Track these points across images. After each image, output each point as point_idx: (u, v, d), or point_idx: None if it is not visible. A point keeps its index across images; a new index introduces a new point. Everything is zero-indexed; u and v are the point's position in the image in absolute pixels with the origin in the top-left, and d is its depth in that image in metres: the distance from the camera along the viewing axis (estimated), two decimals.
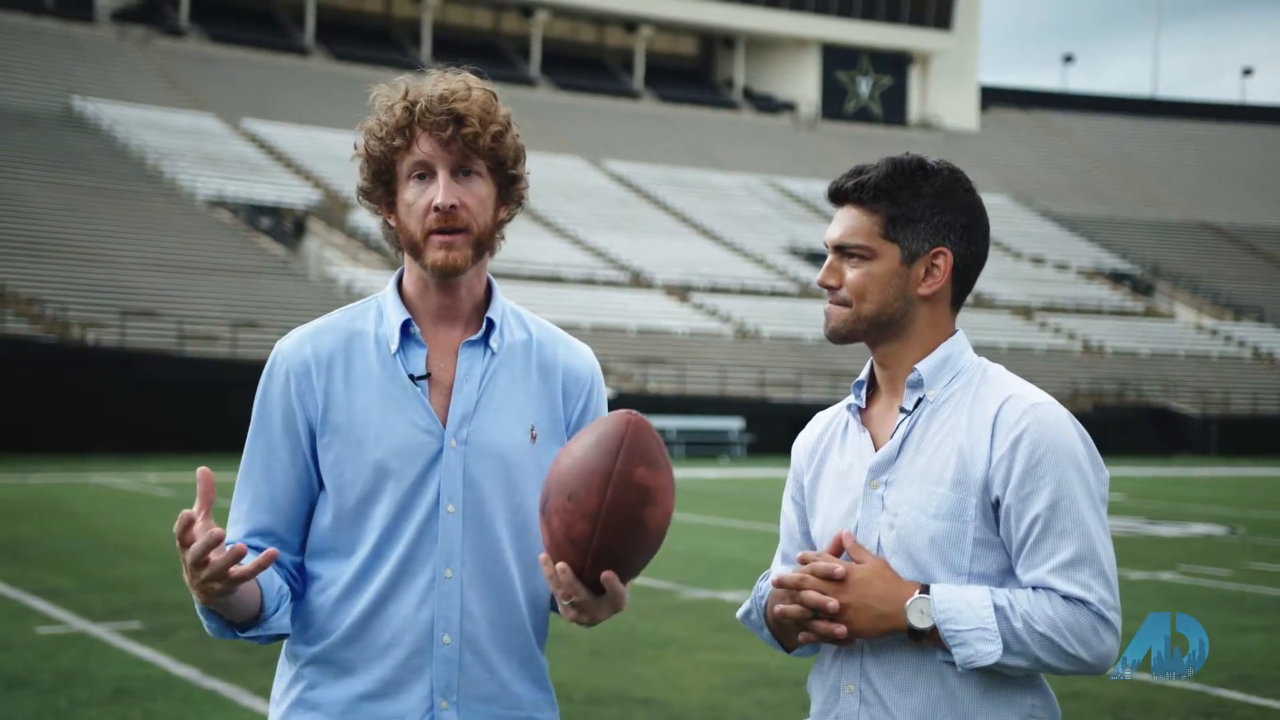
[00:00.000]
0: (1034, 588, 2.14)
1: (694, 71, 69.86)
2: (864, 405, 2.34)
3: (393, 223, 2.29)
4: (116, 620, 8.85)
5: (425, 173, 2.23)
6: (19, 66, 48.28)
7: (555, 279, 44.11)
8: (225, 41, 57.03)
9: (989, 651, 2.10)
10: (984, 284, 52.25)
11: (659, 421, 34.56)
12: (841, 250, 2.26)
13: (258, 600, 2.18)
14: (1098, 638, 2.12)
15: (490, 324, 2.30)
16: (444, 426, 2.25)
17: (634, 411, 2.13)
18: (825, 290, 2.28)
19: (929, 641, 2.15)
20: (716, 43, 70.24)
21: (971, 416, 2.21)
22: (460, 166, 2.23)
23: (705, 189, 57.26)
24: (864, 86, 69.72)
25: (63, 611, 9.19)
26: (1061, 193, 65.21)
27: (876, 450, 2.27)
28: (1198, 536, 16.14)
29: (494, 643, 2.27)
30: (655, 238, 50.60)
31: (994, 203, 62.78)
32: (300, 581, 2.30)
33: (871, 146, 66.68)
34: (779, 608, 2.20)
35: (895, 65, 70.28)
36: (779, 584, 2.20)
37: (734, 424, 35.05)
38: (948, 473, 2.18)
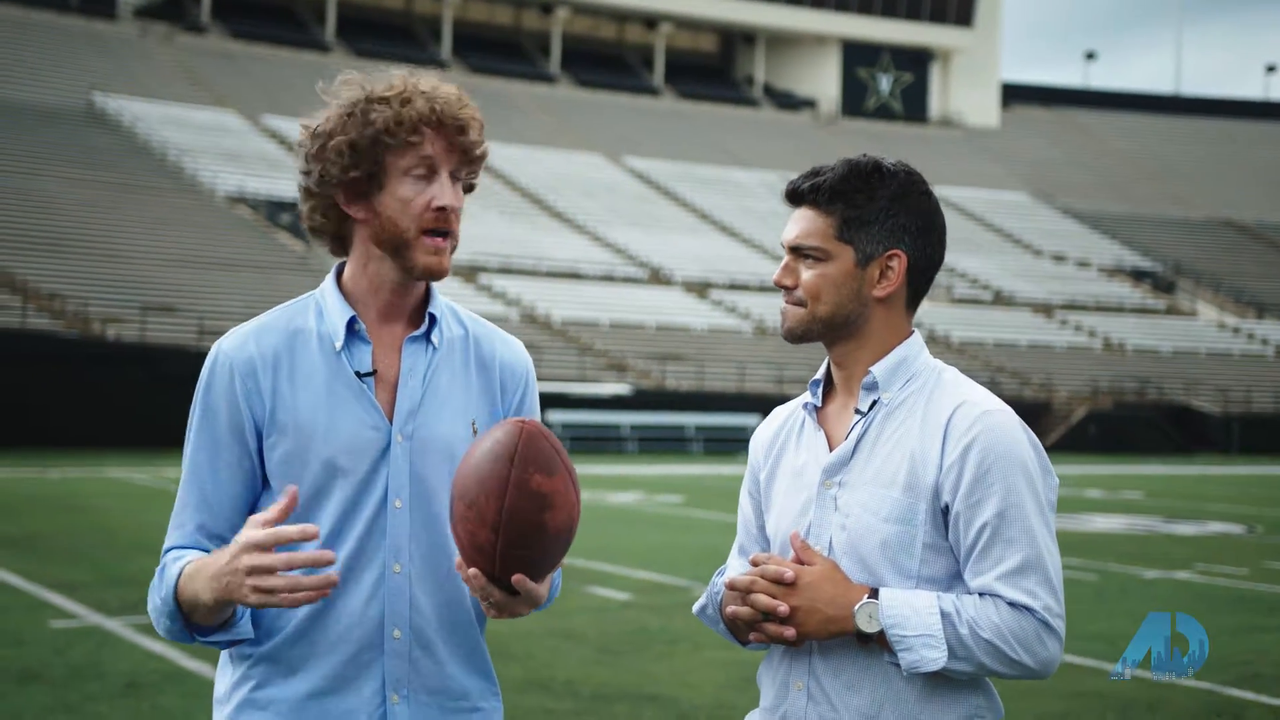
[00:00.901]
0: (981, 594, 2.18)
1: (714, 68, 69.83)
2: (820, 404, 2.36)
3: (358, 215, 2.26)
4: (130, 614, 8.89)
5: (427, 172, 2.24)
6: (42, 63, 48.52)
7: (574, 275, 44.15)
8: (246, 38, 57.24)
9: (934, 658, 2.14)
10: (1004, 281, 52.15)
11: (677, 418, 34.58)
12: (797, 251, 2.29)
13: (234, 609, 2.19)
14: (1041, 644, 2.16)
15: (433, 319, 2.32)
16: (390, 422, 2.26)
17: (528, 419, 2.16)
18: (781, 290, 2.32)
19: (877, 644, 2.19)
20: (737, 39, 70.18)
21: (924, 421, 2.24)
22: (455, 171, 2.26)
23: (725, 185, 57.21)
24: (884, 83, 69.59)
25: (77, 605, 9.24)
26: (1083, 190, 64.97)
27: (831, 450, 2.30)
28: (1215, 535, 16.06)
29: (441, 636, 2.28)
30: (674, 234, 50.60)
31: (1015, 200, 62.59)
32: None
33: (892, 143, 66.55)
34: (730, 609, 2.24)
35: (916, 62, 70.12)
36: (730, 586, 2.24)
37: (752, 420, 35.01)
38: (900, 477, 2.22)
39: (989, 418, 2.21)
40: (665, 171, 57.03)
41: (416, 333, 2.30)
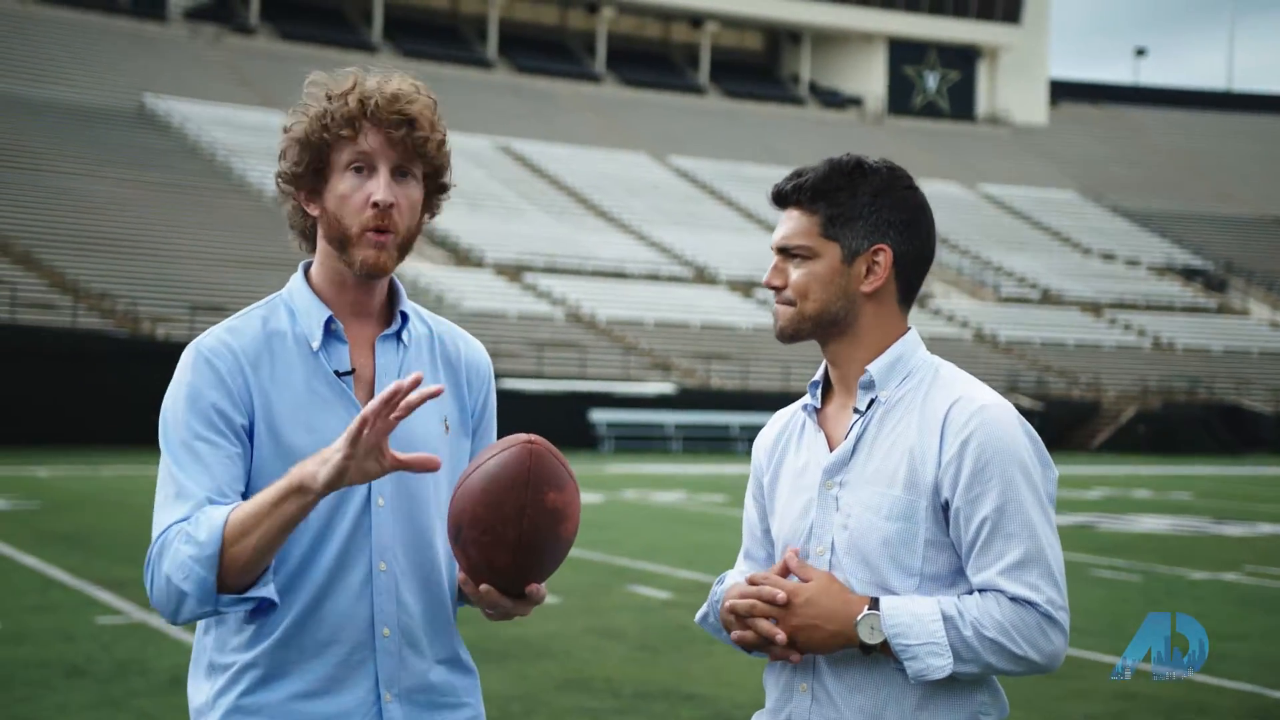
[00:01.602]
0: (982, 590, 2.19)
1: (760, 66, 69.69)
2: (819, 405, 2.38)
3: (313, 211, 2.28)
4: None
5: (364, 166, 2.23)
6: (94, 65, 49.05)
7: (619, 274, 44.17)
8: (295, 39, 57.61)
9: (940, 665, 2.15)
10: (1053, 280, 51.75)
11: (721, 417, 34.54)
12: (784, 251, 2.33)
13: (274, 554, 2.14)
14: (1045, 638, 2.17)
15: (404, 318, 2.33)
16: None
17: (532, 437, 2.18)
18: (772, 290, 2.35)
19: (881, 653, 2.20)
20: (782, 37, 70.02)
21: (922, 418, 2.25)
22: (400, 167, 2.24)
23: (770, 184, 56.75)
24: (931, 81, 69.22)
25: (124, 602, 9.33)
26: (1133, 188, 64.39)
27: (831, 450, 2.32)
28: (1265, 536, 15.88)
29: (426, 633, 2.29)
30: (719, 233, 50.53)
31: (1063, 198, 62.08)
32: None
33: (939, 141, 66.19)
34: (736, 634, 2.27)
35: (963, 59, 69.72)
36: (732, 613, 2.27)
37: None
38: (900, 474, 2.23)
39: (985, 412, 2.22)
40: (710, 170, 56.97)
41: (388, 331, 2.31)
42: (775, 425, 2.48)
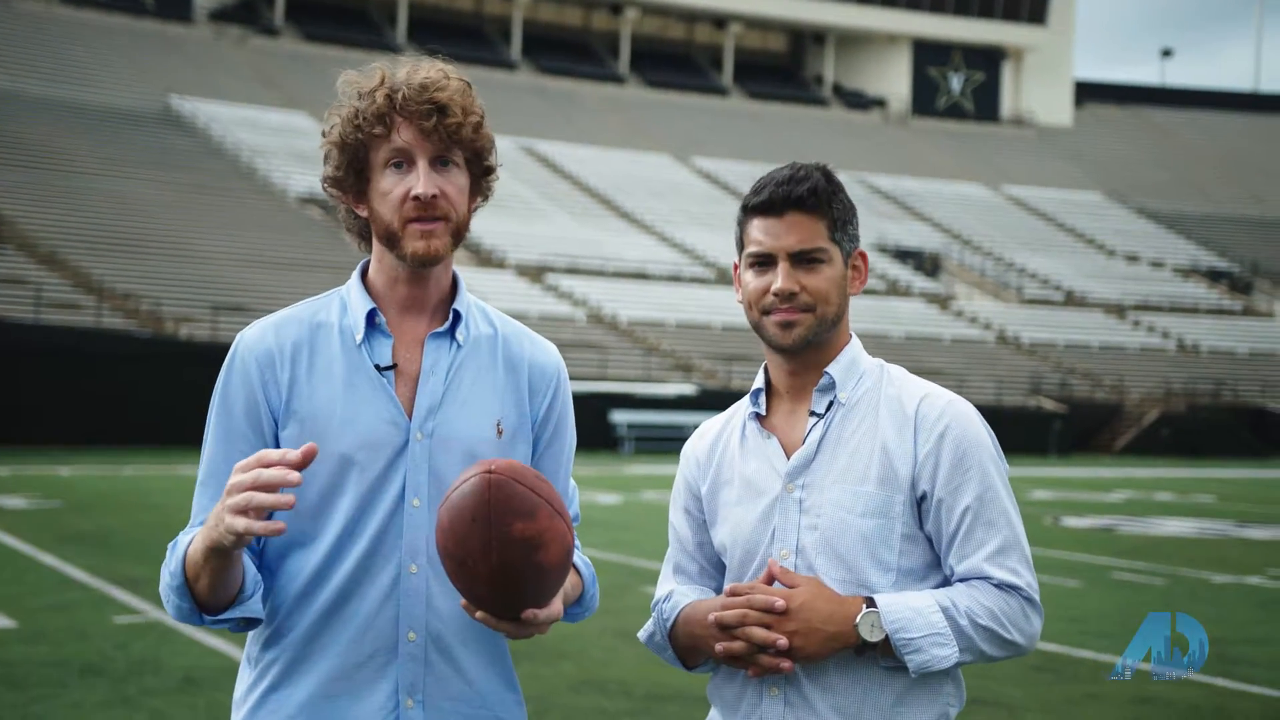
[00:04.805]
0: (964, 579, 2.22)
1: (783, 68, 69.59)
2: (764, 412, 2.36)
3: (361, 212, 2.26)
4: None
5: (403, 161, 2.20)
6: (119, 66, 49.28)
7: (641, 275, 44.16)
8: (318, 40, 57.80)
9: (945, 655, 2.16)
10: (1076, 282, 51.52)
11: None
12: (798, 257, 2.28)
13: (240, 580, 2.14)
14: (1028, 620, 2.23)
15: (457, 316, 2.28)
16: (409, 419, 2.21)
17: (494, 464, 2.06)
18: (775, 298, 2.28)
19: (876, 652, 2.18)
20: (806, 39, 69.90)
21: (890, 415, 2.27)
22: (439, 156, 2.21)
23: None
24: (955, 82, 69.00)
25: (141, 601, 9.34)
26: (1158, 189, 64.06)
27: (788, 454, 2.30)
28: None
29: (460, 640, 2.23)
30: None
31: (1088, 199, 61.79)
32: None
33: (963, 142, 65.96)
34: (722, 646, 2.21)
35: (988, 60, 69.49)
36: (720, 624, 2.21)
37: None
38: (871, 472, 2.24)
39: (954, 407, 2.28)
40: (733, 172, 56.90)
41: (440, 329, 2.27)
42: (707, 436, 2.46)
